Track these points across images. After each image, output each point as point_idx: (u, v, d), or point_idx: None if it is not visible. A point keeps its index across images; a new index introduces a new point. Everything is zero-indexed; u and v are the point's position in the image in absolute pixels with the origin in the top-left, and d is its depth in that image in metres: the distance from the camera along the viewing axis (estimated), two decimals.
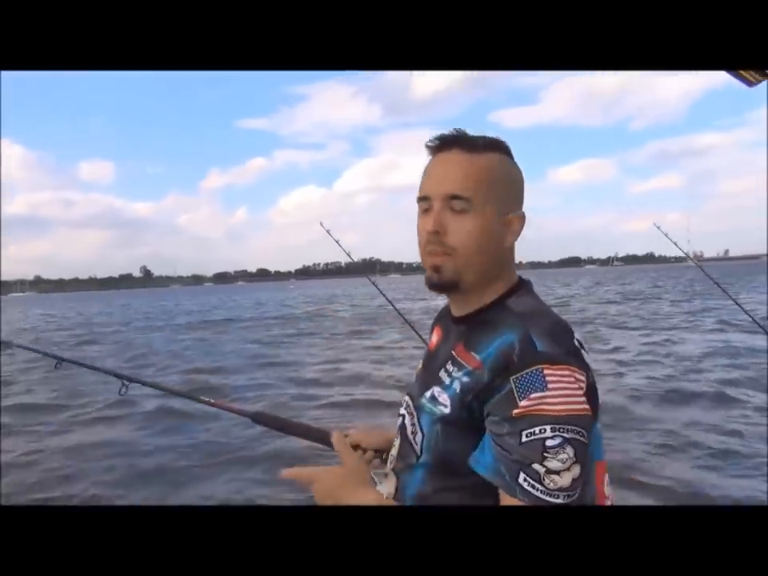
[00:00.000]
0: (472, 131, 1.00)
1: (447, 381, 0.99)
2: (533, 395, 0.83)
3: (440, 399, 0.98)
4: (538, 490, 0.82)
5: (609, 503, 0.98)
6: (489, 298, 1.00)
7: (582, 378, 0.85)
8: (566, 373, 0.84)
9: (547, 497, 0.82)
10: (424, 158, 1.05)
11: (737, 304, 3.06)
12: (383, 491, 1.26)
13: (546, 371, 0.83)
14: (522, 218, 1.01)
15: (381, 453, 1.34)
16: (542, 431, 0.81)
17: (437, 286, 1.01)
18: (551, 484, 0.81)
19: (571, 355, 0.87)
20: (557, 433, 0.81)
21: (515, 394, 0.84)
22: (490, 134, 1.01)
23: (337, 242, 2.63)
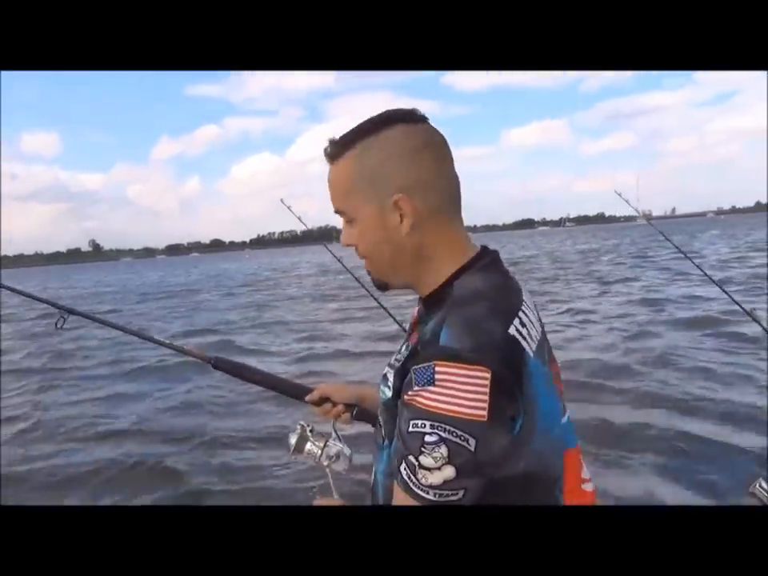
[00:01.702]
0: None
1: (395, 362, 0.98)
2: (419, 387, 0.81)
3: (388, 380, 0.97)
4: (411, 481, 0.82)
5: (587, 486, 0.96)
6: (437, 278, 0.95)
7: (482, 381, 0.79)
8: (460, 372, 0.79)
9: (419, 490, 0.81)
10: None
11: (690, 260, 3.24)
12: (338, 468, 1.33)
13: (437, 367, 0.80)
14: (402, 198, 0.92)
15: (351, 408, 1.34)
16: (423, 425, 0.80)
17: (377, 287, 1.05)
18: (423, 479, 0.80)
19: (479, 352, 0.80)
20: (434, 430, 0.79)
21: (412, 382, 0.83)
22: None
23: (299, 218, 2.56)
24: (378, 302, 2.44)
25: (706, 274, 3.11)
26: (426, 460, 0.79)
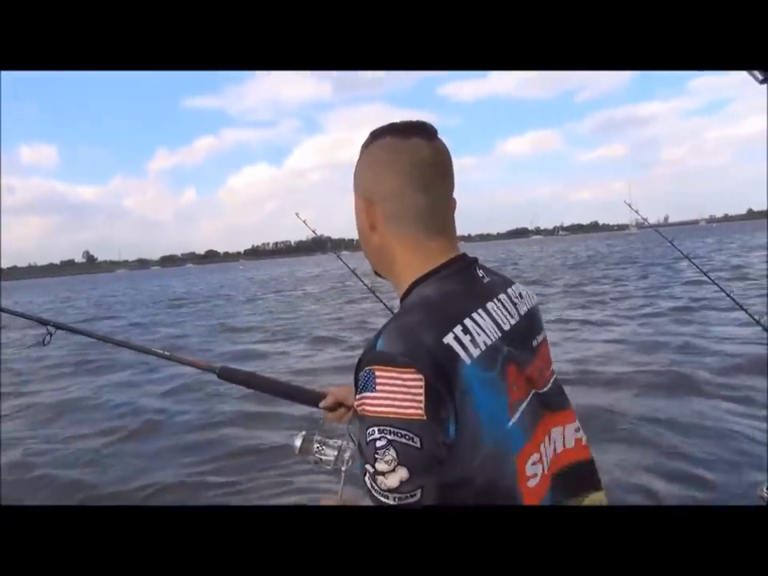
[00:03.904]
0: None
1: None
2: (362, 395, 0.84)
3: None
4: (374, 489, 0.84)
5: (531, 483, 0.92)
6: (402, 284, 1.01)
7: (416, 383, 0.81)
8: (395, 375, 0.82)
9: (380, 496, 0.84)
10: None
11: (703, 272, 3.45)
12: (330, 455, 1.29)
13: (376, 372, 0.83)
14: (363, 202, 1.02)
15: None
16: (373, 432, 0.82)
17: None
18: (382, 484, 0.83)
19: (410, 356, 0.83)
20: (382, 434, 0.81)
21: (358, 392, 0.86)
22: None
23: (314, 231, 2.61)
24: (387, 306, 2.29)
25: (716, 284, 3.20)
26: (380, 465, 0.82)
